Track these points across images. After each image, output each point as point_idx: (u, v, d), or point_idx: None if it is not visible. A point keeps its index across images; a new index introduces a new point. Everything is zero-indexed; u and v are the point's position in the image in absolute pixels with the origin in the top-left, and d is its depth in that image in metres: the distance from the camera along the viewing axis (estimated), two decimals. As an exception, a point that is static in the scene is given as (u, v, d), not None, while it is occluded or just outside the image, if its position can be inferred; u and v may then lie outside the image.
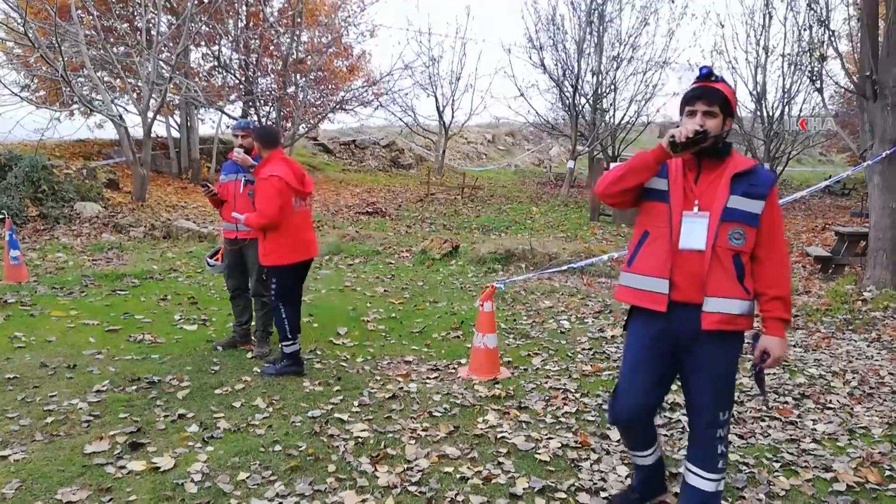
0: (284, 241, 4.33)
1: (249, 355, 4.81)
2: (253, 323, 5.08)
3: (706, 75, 2.30)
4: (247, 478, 2.96)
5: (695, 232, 2.25)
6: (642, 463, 2.64)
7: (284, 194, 4.24)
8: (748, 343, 2.44)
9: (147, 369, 4.40)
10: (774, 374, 4.67)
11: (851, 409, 4.06)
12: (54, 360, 4.48)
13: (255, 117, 19.10)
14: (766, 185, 2.28)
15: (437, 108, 23.98)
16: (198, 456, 3.15)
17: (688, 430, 3.57)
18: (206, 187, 4.78)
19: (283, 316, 4.39)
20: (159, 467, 3.02)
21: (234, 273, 4.96)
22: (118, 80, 15.51)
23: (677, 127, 2.24)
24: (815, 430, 3.71)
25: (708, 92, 2.27)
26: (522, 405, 4.00)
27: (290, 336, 4.41)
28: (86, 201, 11.89)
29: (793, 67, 18.25)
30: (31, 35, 11.30)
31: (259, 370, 4.49)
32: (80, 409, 3.68)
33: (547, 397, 4.15)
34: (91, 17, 13.69)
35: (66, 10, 13.12)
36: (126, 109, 15.73)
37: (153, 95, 13.49)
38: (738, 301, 2.24)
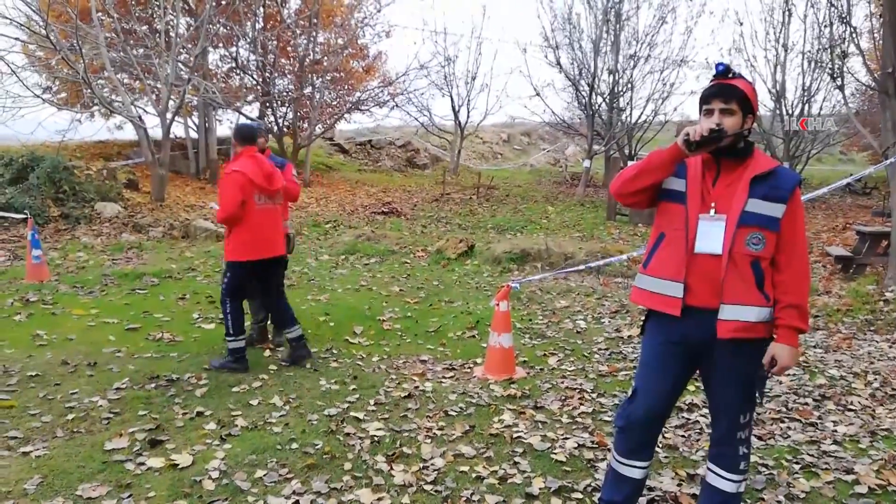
0: (244, 237, 4.35)
1: (267, 353, 4.85)
2: (269, 323, 5.12)
3: (723, 72, 2.24)
4: (264, 475, 2.98)
5: (711, 235, 2.19)
6: (634, 476, 2.44)
7: (246, 190, 4.28)
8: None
9: (166, 367, 4.45)
10: (794, 375, 4.62)
11: (873, 410, 4.00)
12: (75, 358, 4.55)
13: (273, 118, 19.25)
14: (788, 187, 2.20)
15: (453, 107, 23.95)
16: (215, 453, 3.17)
17: (706, 430, 3.55)
18: None
19: (227, 311, 4.43)
20: (178, 464, 3.05)
21: None
22: (138, 81, 15.70)
23: (694, 125, 2.20)
24: (836, 431, 3.66)
25: (724, 89, 2.20)
26: (538, 405, 3.99)
27: (232, 332, 4.43)
28: (106, 201, 12.05)
29: (813, 65, 18.01)
30: (52, 38, 11.46)
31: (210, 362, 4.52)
32: (101, 406, 3.73)
33: (563, 397, 4.13)
34: (111, 20, 13.87)
35: (86, 12, 13.30)
36: (145, 111, 15.93)
37: (172, 97, 13.63)
38: (755, 308, 2.18)
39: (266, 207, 4.44)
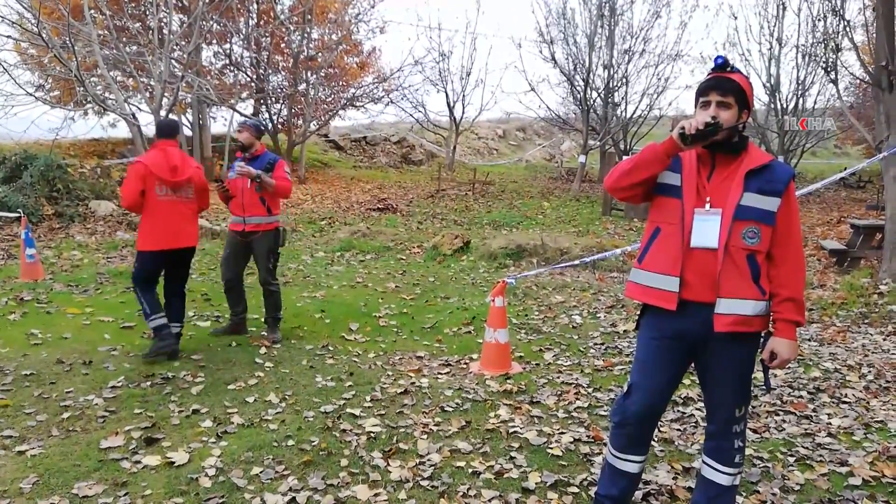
0: (147, 227, 4.49)
1: (262, 350, 4.85)
2: (247, 314, 5.34)
3: (721, 65, 2.24)
4: (260, 472, 2.98)
5: (707, 230, 2.19)
6: (630, 470, 2.44)
7: (147, 180, 4.39)
8: (761, 339, 2.41)
9: (161, 365, 4.44)
10: (789, 368, 4.63)
11: (867, 403, 4.02)
12: (70, 357, 4.53)
13: (267, 115, 19.19)
14: (783, 181, 2.20)
15: (448, 103, 23.92)
16: (212, 451, 3.17)
17: (702, 424, 3.57)
18: (220, 183, 4.97)
19: (139, 297, 4.56)
20: (174, 462, 3.04)
21: (230, 264, 5.16)
22: (131, 79, 15.60)
23: (689, 118, 2.20)
24: (831, 424, 3.68)
25: (722, 82, 2.21)
26: (534, 400, 4.00)
27: (149, 312, 4.56)
28: (100, 200, 12.00)
29: (807, 59, 18.04)
30: (44, 35, 11.38)
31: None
32: (96, 404, 3.72)
33: (559, 392, 4.14)
34: (104, 17, 13.77)
35: (79, 10, 13.21)
36: (139, 108, 15.83)
37: (166, 94, 13.55)
38: (752, 302, 2.19)
39: (169, 199, 4.50)
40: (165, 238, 4.50)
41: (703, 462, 2.43)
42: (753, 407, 3.87)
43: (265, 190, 4.89)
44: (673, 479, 2.99)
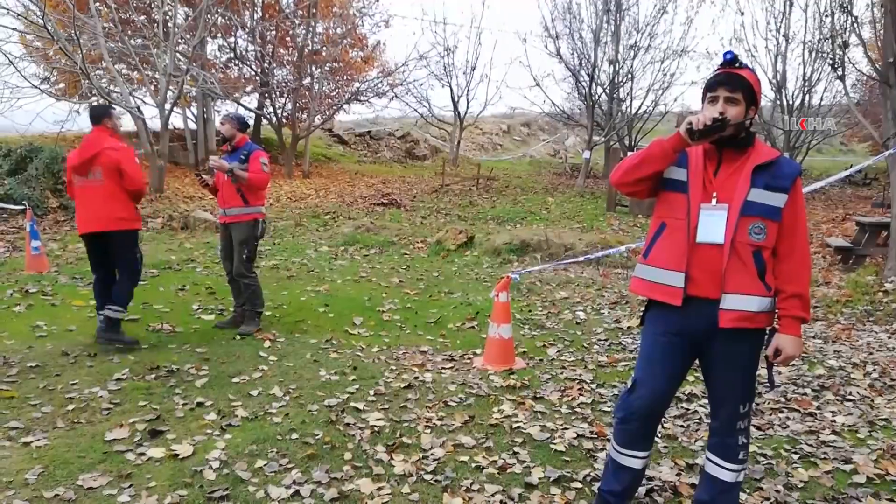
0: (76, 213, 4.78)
1: (267, 344, 4.86)
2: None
3: (730, 61, 2.23)
4: (264, 465, 2.98)
5: (713, 225, 2.18)
6: (633, 465, 2.44)
7: (69, 171, 4.70)
8: (766, 335, 2.40)
9: (165, 358, 4.46)
10: (793, 365, 4.62)
11: (872, 400, 4.01)
12: (75, 349, 4.55)
13: (272, 109, 19.19)
14: (790, 177, 2.19)
15: (452, 98, 23.85)
16: (216, 443, 3.18)
17: (705, 420, 3.56)
18: (200, 178, 5.14)
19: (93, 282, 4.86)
20: (178, 454, 3.05)
21: (226, 255, 5.26)
22: (136, 72, 15.64)
23: (695, 114, 2.19)
24: (835, 421, 3.67)
25: (731, 78, 2.19)
26: (538, 395, 4.00)
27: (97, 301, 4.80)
28: (105, 193, 12.01)
29: (814, 55, 17.93)
30: (50, 28, 11.40)
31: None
32: (101, 396, 3.74)
33: (562, 388, 4.14)
34: (109, 10, 13.79)
35: (84, 2, 13.22)
36: (144, 101, 15.87)
37: (170, 87, 13.57)
38: (757, 298, 2.18)
39: (83, 185, 4.63)
40: (79, 223, 4.69)
41: (707, 458, 2.43)
42: (757, 404, 3.87)
43: (240, 182, 4.97)
44: (676, 475, 2.99)
